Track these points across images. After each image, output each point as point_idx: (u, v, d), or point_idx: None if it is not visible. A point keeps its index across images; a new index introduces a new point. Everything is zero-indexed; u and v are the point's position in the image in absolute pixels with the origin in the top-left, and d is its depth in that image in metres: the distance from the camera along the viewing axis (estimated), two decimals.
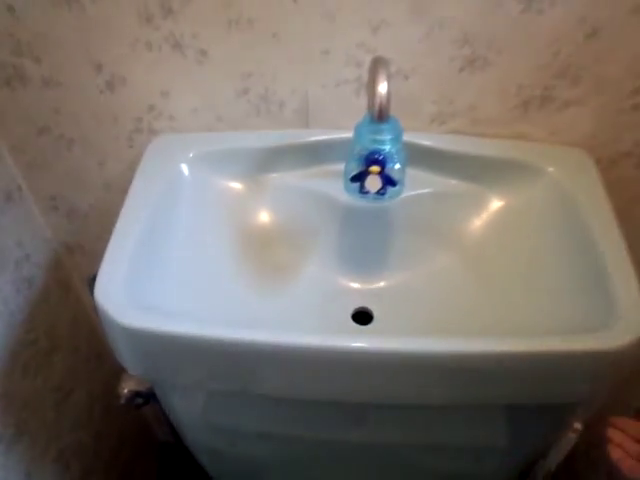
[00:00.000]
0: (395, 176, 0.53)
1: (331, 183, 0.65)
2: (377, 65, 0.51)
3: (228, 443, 0.75)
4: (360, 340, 0.49)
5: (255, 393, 0.58)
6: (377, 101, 0.50)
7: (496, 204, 0.66)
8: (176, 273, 0.60)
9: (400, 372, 0.51)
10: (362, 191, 0.55)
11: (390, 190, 0.55)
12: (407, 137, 0.57)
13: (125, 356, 0.56)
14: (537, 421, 0.66)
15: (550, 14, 0.56)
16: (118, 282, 0.53)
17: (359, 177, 0.54)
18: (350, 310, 0.65)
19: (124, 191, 0.62)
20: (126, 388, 0.85)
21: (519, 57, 0.59)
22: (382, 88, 0.50)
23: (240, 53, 0.61)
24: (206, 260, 0.63)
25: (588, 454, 0.97)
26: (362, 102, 0.62)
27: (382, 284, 0.67)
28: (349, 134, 0.62)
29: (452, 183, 0.66)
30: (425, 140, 0.65)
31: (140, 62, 0.62)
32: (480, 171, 0.66)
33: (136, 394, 0.86)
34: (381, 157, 0.52)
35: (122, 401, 0.87)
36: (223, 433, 0.73)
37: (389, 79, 0.51)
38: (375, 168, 0.52)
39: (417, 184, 0.65)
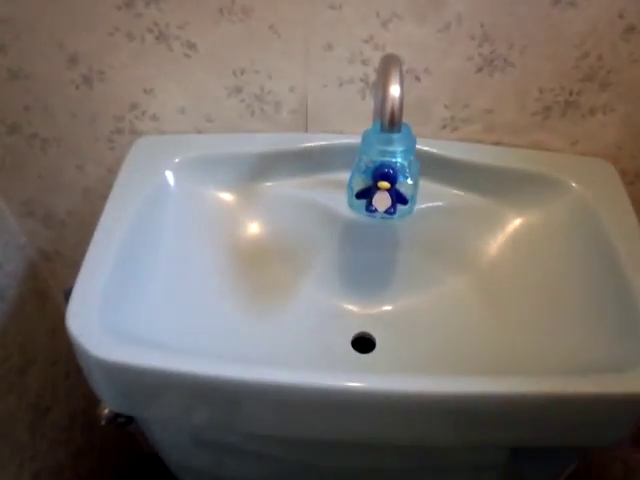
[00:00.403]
0: (407, 193, 0.47)
1: (332, 194, 0.60)
2: (389, 64, 0.46)
3: (214, 462, 0.70)
4: (355, 379, 0.44)
5: (241, 431, 0.52)
6: (388, 107, 0.44)
7: (512, 221, 0.61)
8: (159, 294, 0.54)
9: (400, 414, 0.47)
10: (369, 209, 0.48)
11: (400, 209, 0.49)
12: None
13: (100, 389, 0.50)
14: (543, 460, 0.61)
15: (584, 7, 0.50)
16: (93, 307, 0.48)
17: (366, 193, 0.48)
18: (350, 336, 0.60)
19: (105, 197, 0.57)
20: (107, 408, 0.80)
21: (543, 58, 0.54)
22: (394, 91, 0.44)
23: (233, 47, 0.56)
24: (192, 279, 0.57)
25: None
26: (368, 104, 0.58)
27: (385, 308, 0.61)
28: (352, 140, 0.57)
29: (464, 196, 0.61)
30: (435, 148, 0.60)
31: (120, 54, 0.57)
32: (495, 184, 0.61)
33: (117, 414, 0.81)
34: (391, 171, 0.46)
35: (103, 422, 0.81)
36: (208, 452, 0.67)
37: (402, 81, 0.45)
38: (384, 184, 0.46)
39: (426, 197, 0.59)
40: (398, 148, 0.46)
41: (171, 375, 0.45)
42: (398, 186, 0.47)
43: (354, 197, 0.50)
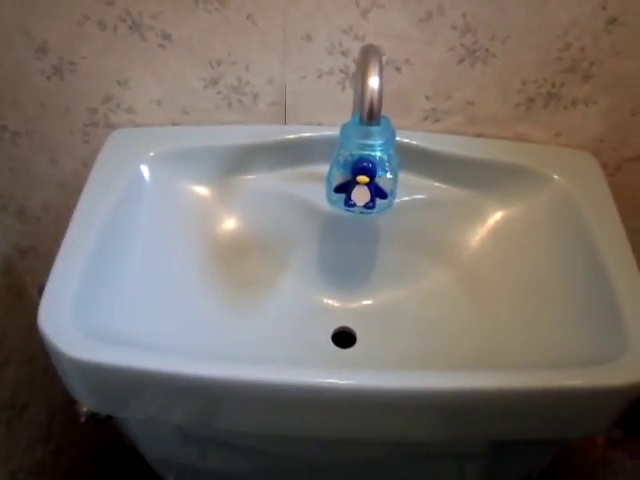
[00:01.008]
0: (386, 187, 0.46)
1: (311, 187, 0.59)
2: (368, 55, 0.44)
3: (196, 457, 0.69)
4: (336, 376, 0.43)
5: (220, 428, 0.51)
6: (367, 99, 0.43)
7: (494, 213, 0.60)
8: (134, 290, 0.53)
9: (381, 410, 0.46)
10: (348, 203, 0.47)
11: (380, 203, 0.48)
12: (397, 136, 0.51)
13: (76, 389, 0.49)
14: (525, 450, 0.61)
15: None
16: (65, 306, 0.46)
17: (345, 187, 0.47)
18: (331, 331, 0.59)
19: (80, 191, 0.55)
20: (85, 406, 0.79)
21: (526, 48, 0.53)
22: (373, 83, 0.43)
23: (209, 37, 0.54)
24: (169, 275, 0.56)
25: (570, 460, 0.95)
26: (347, 96, 0.57)
27: (366, 302, 0.61)
28: (332, 132, 0.56)
29: (446, 189, 0.61)
30: (416, 140, 0.59)
31: (92, 44, 0.55)
32: (477, 176, 0.60)
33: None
34: (370, 165, 0.45)
35: (82, 419, 0.80)
36: (190, 447, 0.66)
37: (382, 72, 0.44)
38: (363, 178, 0.45)
39: (407, 190, 0.59)
40: (377, 141, 0.45)
41: (147, 374, 0.44)
42: (377, 180, 0.46)
43: (333, 191, 0.49)
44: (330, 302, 0.61)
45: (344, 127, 0.47)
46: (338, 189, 0.48)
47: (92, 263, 0.50)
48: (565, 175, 0.58)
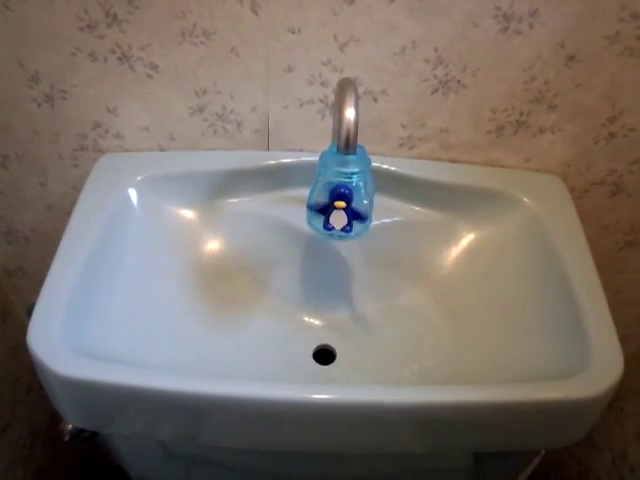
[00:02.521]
0: (362, 212, 0.49)
1: (292, 210, 0.61)
2: (344, 89, 0.47)
3: (181, 475, 0.70)
4: (317, 391, 0.44)
5: (205, 444, 0.52)
6: (344, 130, 0.45)
7: (468, 235, 0.63)
8: (122, 310, 0.54)
9: (359, 424, 0.47)
10: (327, 227, 0.50)
11: (357, 226, 0.50)
12: (374, 162, 0.53)
13: (62, 406, 0.50)
14: (505, 460, 0.63)
15: (529, 36, 0.52)
16: (55, 325, 0.48)
17: (323, 211, 0.50)
18: (311, 348, 0.60)
19: (69, 213, 0.57)
20: (70, 424, 0.79)
21: (495, 80, 0.56)
22: (350, 115, 0.45)
23: (195, 68, 0.57)
24: (156, 295, 0.57)
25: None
26: (327, 124, 0.60)
27: (345, 320, 0.62)
28: (313, 157, 0.58)
29: (421, 212, 0.63)
30: (393, 165, 0.62)
31: (83, 74, 0.57)
32: (451, 199, 0.62)
33: (81, 429, 0.80)
34: (347, 191, 0.47)
35: (66, 437, 0.80)
36: (176, 464, 0.67)
37: (357, 105, 0.46)
38: (340, 203, 0.48)
39: (384, 212, 0.61)
40: (353, 169, 0.47)
41: (135, 391, 0.45)
42: (354, 205, 0.48)
43: (312, 216, 0.51)
44: (311, 321, 0.62)
45: (323, 155, 0.50)
46: (317, 213, 0.50)
47: (81, 283, 0.51)
48: (534, 198, 0.60)
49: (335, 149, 0.46)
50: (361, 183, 0.47)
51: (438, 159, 0.63)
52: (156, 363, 0.52)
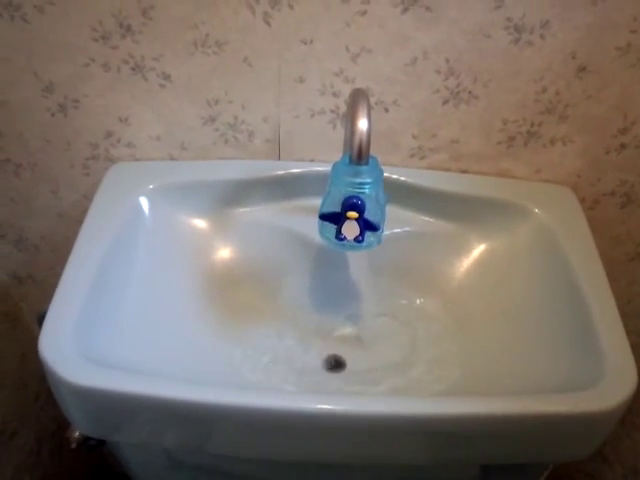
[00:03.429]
0: (374, 222, 0.49)
1: (303, 220, 0.61)
2: (357, 99, 0.47)
3: None
4: (327, 402, 0.44)
5: (213, 453, 0.52)
6: (356, 141, 0.45)
7: (478, 245, 0.63)
8: (133, 319, 0.54)
9: (367, 434, 0.47)
10: (338, 237, 0.50)
11: (368, 237, 0.50)
12: (385, 172, 0.53)
13: (72, 414, 0.50)
14: (513, 473, 0.62)
15: (540, 47, 0.53)
16: (66, 333, 0.48)
17: (335, 221, 0.50)
18: (321, 357, 0.60)
19: (80, 221, 0.57)
20: (77, 431, 0.79)
21: (506, 91, 0.56)
22: (362, 125, 0.45)
23: (207, 78, 0.57)
24: (166, 304, 0.58)
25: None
26: (338, 134, 0.60)
27: (355, 329, 0.62)
28: (324, 167, 0.58)
29: (432, 222, 0.63)
30: (403, 176, 0.62)
31: (96, 84, 0.57)
32: (461, 210, 0.62)
33: (88, 437, 0.80)
34: (359, 202, 0.47)
35: (73, 445, 0.80)
36: (182, 473, 0.67)
37: (370, 116, 0.46)
38: (353, 214, 0.48)
39: (395, 223, 0.61)
40: (366, 180, 0.47)
41: (144, 399, 0.45)
42: (366, 216, 0.49)
43: (324, 226, 0.51)
44: (320, 330, 0.62)
45: (335, 166, 0.50)
46: (328, 219, 0.50)
47: (92, 291, 0.51)
48: (545, 209, 0.60)
49: (347, 160, 0.47)
50: (373, 193, 0.47)
51: (449, 169, 0.63)
52: (166, 372, 0.52)
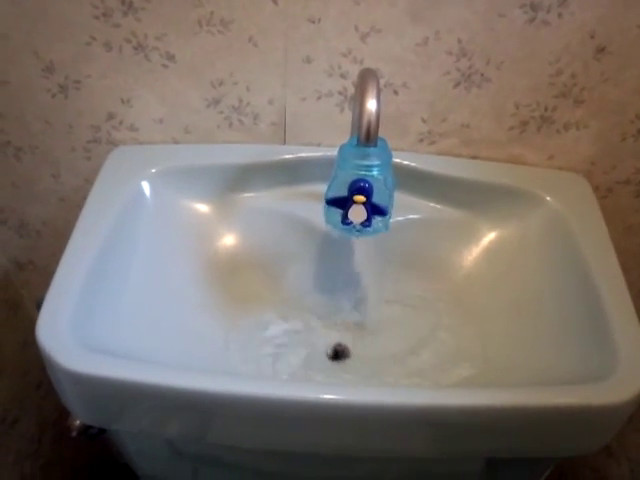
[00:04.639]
0: (382, 207, 0.47)
1: (309, 205, 0.60)
2: (366, 79, 0.45)
3: (189, 475, 0.69)
4: (331, 392, 0.43)
5: (214, 443, 0.51)
6: (365, 121, 0.44)
7: (488, 233, 0.61)
8: (133, 305, 0.53)
9: (371, 425, 0.46)
10: (345, 222, 0.48)
11: (376, 223, 0.49)
12: (393, 157, 0.51)
13: (71, 402, 0.49)
14: (518, 467, 0.61)
15: (557, 26, 0.51)
16: (64, 319, 0.47)
17: (342, 206, 0.48)
18: (326, 346, 0.59)
19: (81, 206, 0.56)
20: (78, 420, 0.78)
21: (519, 74, 0.55)
22: (371, 106, 0.44)
23: (211, 58, 0.55)
24: (167, 290, 0.56)
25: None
26: (346, 118, 0.58)
27: (360, 318, 0.61)
28: (330, 152, 0.57)
29: (441, 209, 0.62)
30: (412, 161, 0.60)
31: (97, 64, 0.56)
32: (471, 197, 0.61)
33: (89, 425, 0.79)
34: (367, 185, 0.46)
35: (74, 433, 0.79)
36: (184, 464, 0.66)
37: (379, 96, 0.45)
38: (360, 197, 0.46)
39: (403, 209, 0.59)
40: (374, 162, 0.46)
41: (144, 387, 0.44)
42: (374, 200, 0.47)
43: (330, 210, 0.49)
44: (325, 318, 0.61)
45: (342, 148, 0.48)
46: (334, 203, 0.48)
47: (92, 277, 0.50)
48: (558, 197, 0.59)
49: (355, 141, 0.45)
50: (382, 177, 0.46)
51: (459, 155, 0.62)
52: (166, 359, 0.51)
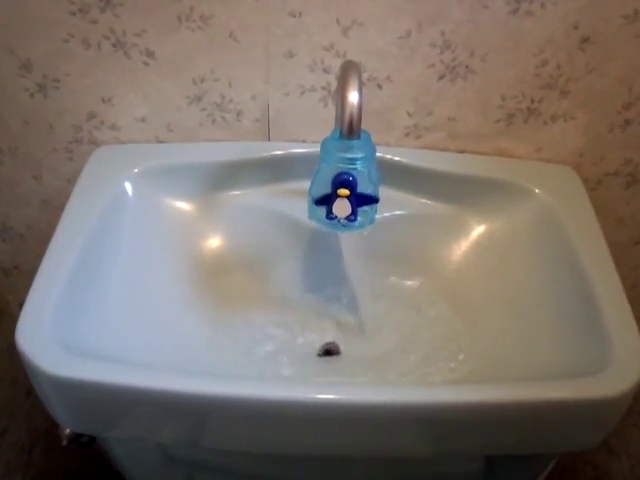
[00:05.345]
0: (369, 195, 0.46)
1: (295, 203, 0.59)
2: (347, 71, 0.45)
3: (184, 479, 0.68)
4: (323, 391, 0.42)
5: (207, 447, 0.50)
6: (347, 113, 0.43)
7: (477, 228, 0.60)
8: (117, 307, 0.52)
9: (366, 425, 0.45)
10: (329, 217, 0.48)
11: (361, 217, 0.48)
12: (379, 152, 0.51)
13: (55, 409, 0.48)
14: (518, 464, 0.60)
15: (541, 17, 0.50)
16: (45, 322, 0.46)
17: (326, 200, 0.47)
18: (316, 345, 0.58)
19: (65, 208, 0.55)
20: (64, 427, 0.77)
21: (504, 65, 0.54)
22: (353, 98, 0.43)
23: (192, 55, 0.55)
24: (153, 292, 0.55)
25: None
26: (330, 113, 0.57)
27: (350, 317, 0.60)
28: (315, 148, 0.55)
29: (428, 204, 0.61)
30: (398, 156, 0.60)
31: (76, 62, 0.55)
32: (459, 191, 0.60)
33: (79, 433, 0.78)
34: (351, 178, 0.45)
35: (64, 442, 0.78)
36: (177, 470, 0.65)
37: (361, 88, 0.44)
38: (344, 191, 0.45)
39: (389, 205, 0.58)
40: (357, 155, 0.45)
41: (131, 391, 0.43)
42: (358, 194, 0.46)
43: (314, 205, 0.49)
44: (315, 316, 0.60)
45: (325, 141, 0.47)
46: (319, 202, 0.48)
47: (73, 279, 0.49)
48: (547, 189, 0.58)
49: (338, 134, 0.44)
50: (365, 170, 0.45)
51: (446, 149, 0.61)
52: (152, 362, 0.50)
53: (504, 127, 0.59)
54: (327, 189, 0.46)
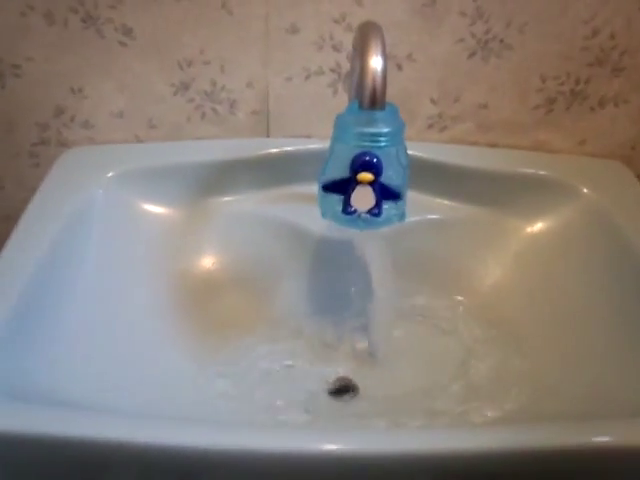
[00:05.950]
0: (394, 188, 0.38)
1: (299, 209, 0.54)
2: (368, 32, 0.38)
3: None
4: (335, 440, 0.35)
5: None
6: (369, 79, 0.36)
7: (515, 235, 0.55)
8: (77, 341, 0.44)
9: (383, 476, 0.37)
10: (347, 210, 0.38)
11: (388, 209, 0.39)
12: None
13: None
14: None
15: None
16: None
17: (342, 189, 0.38)
18: (326, 381, 0.51)
19: None
20: None
21: (546, 38, 0.49)
22: (376, 62, 0.37)
23: (177, 32, 0.49)
24: (126, 320, 0.48)
25: None
26: (341, 101, 0.51)
27: (366, 345, 0.53)
28: (322, 145, 0.51)
29: (458, 208, 0.56)
30: (422, 151, 0.54)
31: (38, 42, 0.49)
32: (493, 192, 0.55)
33: None
34: (374, 159, 0.36)
35: None
36: None
37: (384, 50, 0.38)
38: (366, 175, 0.37)
39: (413, 210, 0.51)
40: (382, 129, 0.37)
41: (94, 446, 0.34)
42: (384, 179, 0.37)
43: (326, 197, 0.40)
44: (324, 348, 0.54)
45: (339, 117, 0.39)
46: (330, 187, 0.39)
47: (22, 306, 0.41)
48: (595, 188, 0.53)
49: (356, 107, 0.36)
50: (393, 150, 0.36)
51: (475, 143, 0.56)
52: (124, 408, 0.41)
53: (543, 115, 0.54)
54: (344, 175, 0.37)
